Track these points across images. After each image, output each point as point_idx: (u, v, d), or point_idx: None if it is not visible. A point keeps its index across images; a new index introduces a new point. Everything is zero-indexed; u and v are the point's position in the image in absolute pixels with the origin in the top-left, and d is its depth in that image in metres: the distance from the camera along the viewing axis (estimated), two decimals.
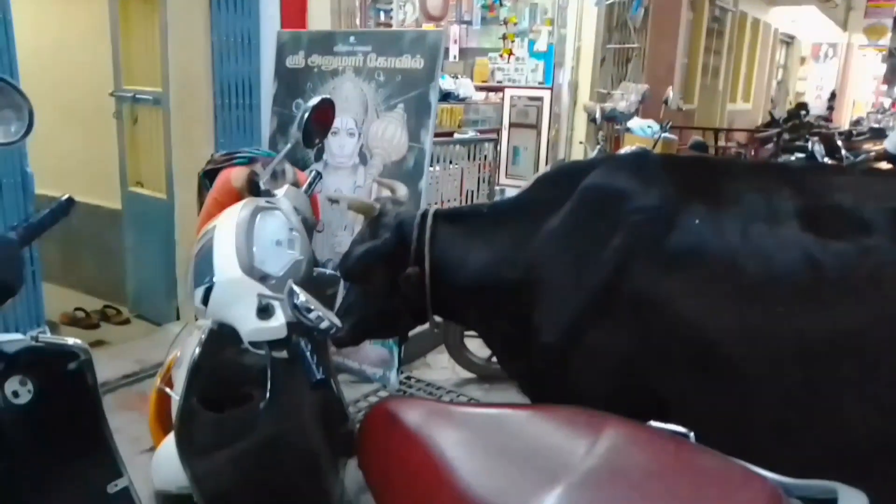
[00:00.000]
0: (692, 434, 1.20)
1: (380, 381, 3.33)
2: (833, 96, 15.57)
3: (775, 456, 1.62)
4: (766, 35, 13.41)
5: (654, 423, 1.22)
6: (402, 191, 2.26)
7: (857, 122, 13.24)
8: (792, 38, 16.04)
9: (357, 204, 2.19)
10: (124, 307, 4.08)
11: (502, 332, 2.03)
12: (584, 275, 1.78)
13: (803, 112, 9.18)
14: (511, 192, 2.17)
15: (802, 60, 16.98)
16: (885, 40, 16.46)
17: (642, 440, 1.20)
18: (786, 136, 6.99)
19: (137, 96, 3.78)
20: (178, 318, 3.80)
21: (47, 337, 1.33)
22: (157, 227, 3.78)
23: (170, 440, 1.58)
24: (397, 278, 1.99)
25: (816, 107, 14.01)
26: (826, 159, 5.45)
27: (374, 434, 1.41)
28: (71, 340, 1.38)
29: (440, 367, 3.78)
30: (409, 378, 3.54)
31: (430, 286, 1.98)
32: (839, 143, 5.94)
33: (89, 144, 4.17)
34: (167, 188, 3.73)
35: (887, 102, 17.83)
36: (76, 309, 4.00)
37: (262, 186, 1.72)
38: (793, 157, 6.05)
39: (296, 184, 1.89)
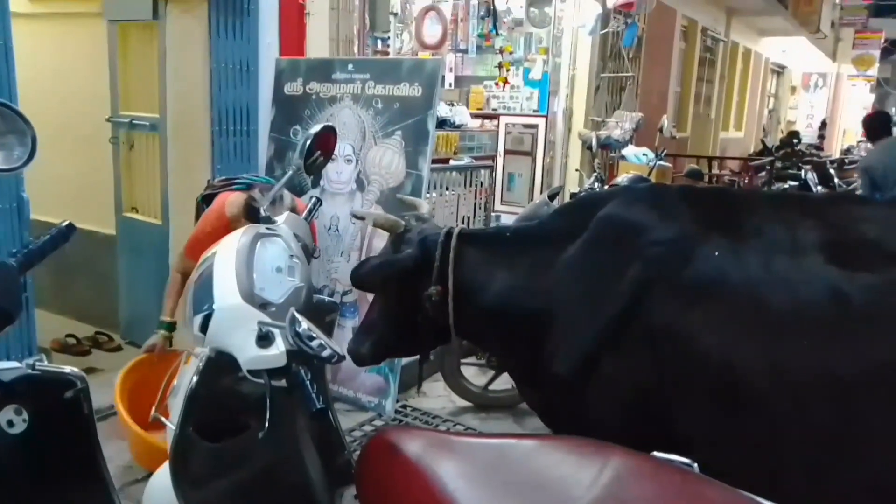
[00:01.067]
0: (696, 465, 1.19)
1: (375, 409, 3.31)
2: (824, 125, 15.76)
3: (804, 492, 1.61)
4: (758, 65, 13.60)
5: (658, 454, 1.21)
6: (424, 208, 2.28)
7: (847, 151, 13.39)
8: (783, 67, 16.28)
9: (382, 220, 2.20)
10: (116, 334, 4.04)
11: (520, 360, 2.02)
12: (599, 306, 1.77)
13: (795, 141, 9.30)
14: (507, 219, 2.18)
15: (793, 90, 17.20)
16: (873, 71, 16.78)
17: (647, 471, 1.19)
18: (779, 164, 7.06)
19: (134, 122, 3.79)
20: (170, 346, 3.76)
21: (44, 365, 1.32)
22: (151, 253, 3.76)
23: (164, 470, 1.55)
24: (419, 295, 1.98)
25: (808, 135, 14.17)
26: (819, 188, 5.51)
27: (373, 465, 1.39)
28: (68, 369, 1.36)
29: (436, 395, 3.75)
30: (404, 406, 3.51)
31: (453, 306, 1.97)
32: (832, 171, 6.01)
33: (85, 170, 4.16)
34: (162, 214, 3.71)
35: None
36: (68, 335, 3.96)
37: (262, 213, 1.71)
38: (786, 186, 6.10)
39: (294, 210, 1.88)
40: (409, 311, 2.03)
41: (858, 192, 4.99)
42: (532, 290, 1.90)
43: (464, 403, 3.62)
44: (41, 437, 1.34)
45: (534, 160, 6.20)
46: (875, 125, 5.41)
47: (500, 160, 6.20)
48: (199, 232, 2.58)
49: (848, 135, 17.51)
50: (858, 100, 18.13)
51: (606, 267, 1.80)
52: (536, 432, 3.36)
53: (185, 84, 3.53)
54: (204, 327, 1.45)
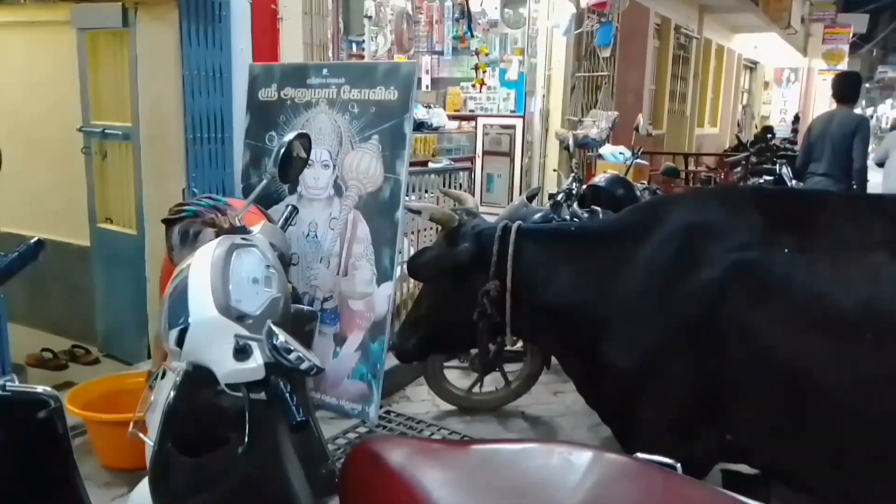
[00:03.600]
0: (679, 465, 1.19)
1: (359, 416, 3.28)
2: (797, 119, 15.97)
3: (868, 486, 1.64)
4: (731, 61, 13.74)
5: (641, 455, 1.21)
6: (470, 201, 2.29)
7: None
8: (755, 63, 16.46)
9: (439, 214, 2.19)
10: (94, 347, 3.98)
11: (582, 359, 2.01)
12: (671, 305, 1.79)
13: (769, 135, 9.41)
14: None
15: (766, 85, 17.41)
16: (843, 65, 17.02)
17: (630, 473, 1.19)
18: (754, 159, 7.14)
19: (107, 131, 3.73)
20: (149, 358, 3.71)
21: (15, 385, 1.29)
22: (127, 263, 3.71)
23: (143, 486, 1.53)
24: (473, 291, 1.97)
25: (781, 130, 14.35)
26: (793, 182, 5.57)
27: (356, 475, 1.37)
28: (40, 388, 1.33)
29: (420, 399, 3.73)
30: (388, 412, 3.49)
31: (510, 303, 1.96)
32: None
33: (57, 180, 4.10)
34: (137, 224, 3.66)
35: None
36: (43, 350, 3.89)
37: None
38: (761, 180, 6.16)
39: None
40: (463, 306, 2.01)
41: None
42: (599, 287, 1.91)
43: (448, 407, 3.61)
44: (15, 459, 1.31)
45: (512, 161, 6.22)
46: (840, 85, 5.27)
47: (478, 161, 6.21)
48: (164, 274, 2.54)
49: None
50: (829, 94, 18.39)
51: (682, 268, 1.81)
52: (522, 435, 3.36)
53: (158, 92, 3.49)
54: (180, 341, 1.42)
